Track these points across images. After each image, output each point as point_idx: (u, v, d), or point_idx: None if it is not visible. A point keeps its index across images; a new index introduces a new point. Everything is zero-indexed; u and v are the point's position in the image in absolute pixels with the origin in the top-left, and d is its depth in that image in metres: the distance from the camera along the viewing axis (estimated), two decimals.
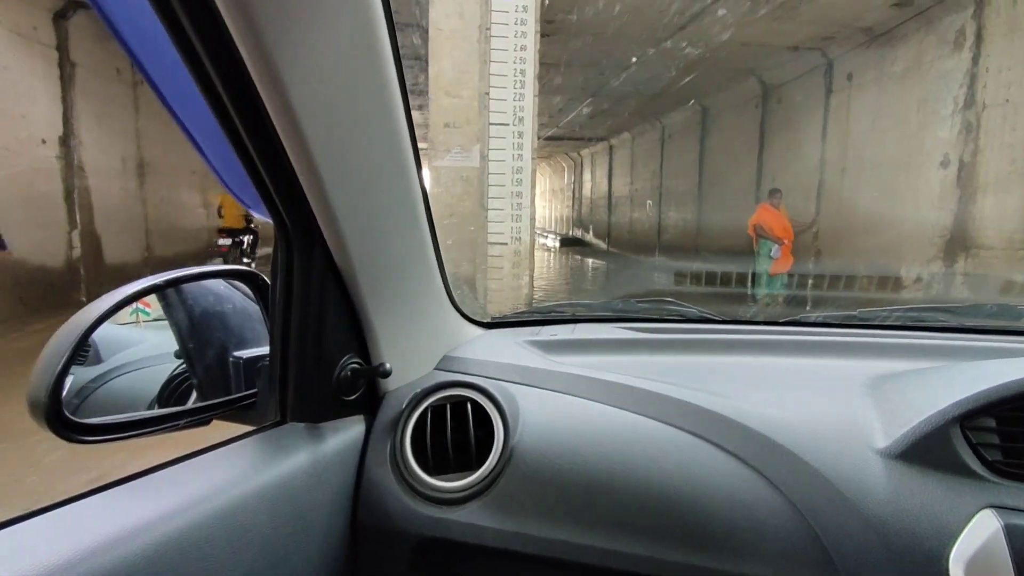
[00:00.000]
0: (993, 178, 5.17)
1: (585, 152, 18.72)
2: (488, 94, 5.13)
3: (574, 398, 0.78)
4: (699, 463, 0.68)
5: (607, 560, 0.66)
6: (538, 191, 8.86)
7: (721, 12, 6.22)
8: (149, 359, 0.76)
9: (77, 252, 6.74)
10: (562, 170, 22.43)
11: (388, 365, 0.76)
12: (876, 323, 1.05)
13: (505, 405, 0.76)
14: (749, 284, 6.00)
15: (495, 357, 0.88)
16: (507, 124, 5.16)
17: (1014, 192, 4.96)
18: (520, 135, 5.19)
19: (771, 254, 6.11)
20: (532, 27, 5.05)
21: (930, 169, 5.79)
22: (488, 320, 1.09)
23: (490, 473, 0.71)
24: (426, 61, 5.64)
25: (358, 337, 0.75)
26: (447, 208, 5.41)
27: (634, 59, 7.98)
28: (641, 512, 0.67)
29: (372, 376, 0.77)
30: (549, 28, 6.48)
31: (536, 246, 6.68)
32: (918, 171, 5.93)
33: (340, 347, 0.72)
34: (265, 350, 0.73)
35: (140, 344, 0.70)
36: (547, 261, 13.96)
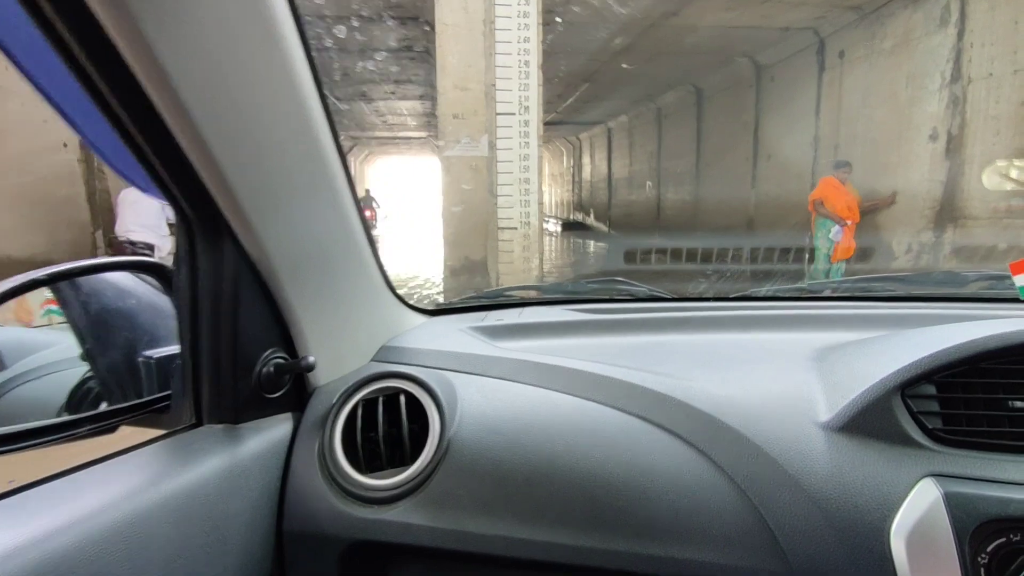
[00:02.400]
0: (979, 150, 5.41)
1: (584, 136, 18.86)
2: (494, 85, 5.35)
3: (517, 384, 0.76)
4: (644, 446, 0.67)
5: (550, 554, 0.64)
6: None
7: None
8: (59, 363, 0.70)
9: (101, 251, 6.99)
10: (561, 154, 22.56)
11: (312, 359, 0.72)
12: (825, 295, 1.07)
13: (442, 395, 0.73)
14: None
15: (436, 345, 0.85)
16: (513, 114, 5.38)
17: (999, 163, 5.21)
18: (526, 123, 5.41)
19: (830, 235, 5.46)
20: (535, 19, 5.25)
21: (920, 143, 6.02)
22: (432, 307, 1.07)
23: (424, 468, 0.68)
24: (432, 55, 5.83)
25: (282, 331, 0.72)
26: (458, 196, 5.65)
27: (623, 41, 8.15)
28: (585, 501, 0.65)
29: (296, 371, 0.73)
30: (547, 17, 6.66)
31: None
32: (909, 145, 6.15)
33: (260, 342, 0.69)
34: (175, 349, 0.69)
35: (51, 347, 0.65)
36: (551, 245, 14.20)
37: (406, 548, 0.67)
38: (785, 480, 0.61)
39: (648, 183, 13.34)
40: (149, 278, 0.72)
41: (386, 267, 0.88)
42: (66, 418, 0.65)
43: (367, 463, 0.70)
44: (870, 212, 6.06)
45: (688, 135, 11.21)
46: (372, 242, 0.82)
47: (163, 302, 0.72)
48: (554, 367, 0.77)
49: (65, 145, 6.57)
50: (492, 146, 5.48)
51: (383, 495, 0.68)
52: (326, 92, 0.65)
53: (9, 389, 0.60)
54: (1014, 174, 5.13)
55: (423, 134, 16.34)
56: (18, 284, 0.60)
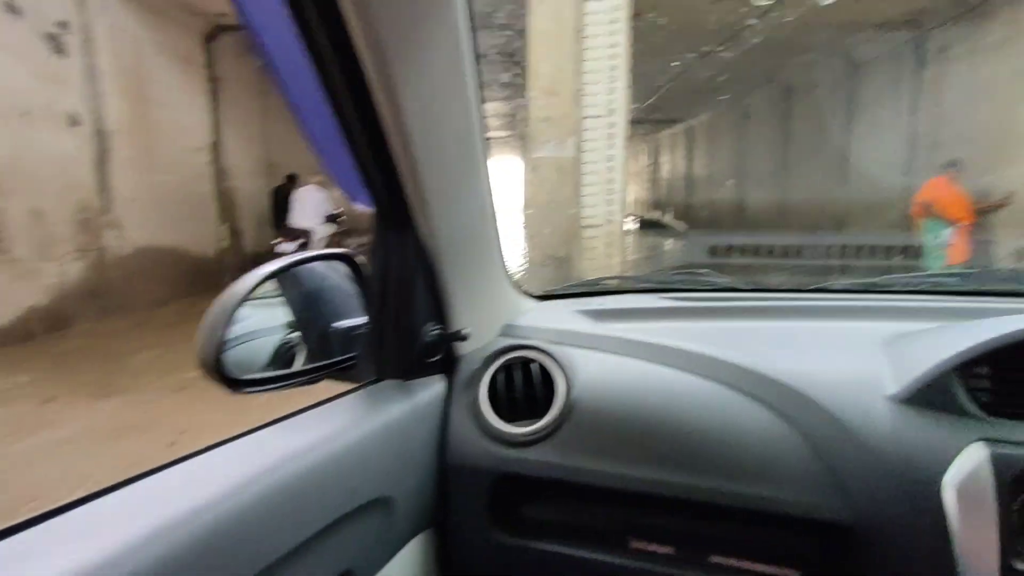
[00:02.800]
0: None
1: (664, 134, 18.65)
2: (582, 90, 5.59)
3: (623, 358, 0.89)
4: (734, 409, 0.78)
5: (657, 488, 0.78)
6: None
7: None
8: (260, 331, 0.84)
9: (225, 244, 7.86)
10: (640, 153, 22.37)
11: (467, 330, 0.88)
12: (896, 288, 1.14)
13: (564, 364, 0.87)
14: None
15: (551, 324, 0.98)
16: (600, 116, 5.59)
17: None
18: (612, 126, 5.61)
19: (940, 239, 5.23)
20: (624, 25, 5.45)
21: None
22: (540, 293, 1.18)
23: (554, 420, 0.82)
24: (520, 58, 6.11)
25: (438, 308, 0.86)
26: (546, 195, 5.92)
27: (710, 40, 8.11)
28: (680, 450, 0.78)
29: (452, 341, 0.88)
30: (635, 21, 6.80)
31: None
32: (1016, 144, 5.85)
33: (424, 316, 0.83)
34: (359, 320, 0.85)
35: (247, 319, 0.77)
36: (629, 243, 14.20)
37: (541, 480, 0.82)
38: (852, 439, 0.72)
39: (730, 182, 13.09)
40: (340, 266, 0.88)
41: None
42: (291, 369, 0.82)
43: (508, 415, 0.85)
44: (983, 214, 5.76)
45: (775, 133, 10.95)
46: (499, 239, 0.96)
47: (348, 285, 0.88)
48: (653, 344, 0.89)
49: (200, 150, 7.47)
50: (578, 147, 5.71)
51: (522, 439, 0.83)
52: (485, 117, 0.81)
53: (235, 344, 0.72)
54: None
55: (505, 133, 16.75)
56: (270, 271, 0.75)
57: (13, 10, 5.01)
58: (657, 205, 19.95)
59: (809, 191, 9.45)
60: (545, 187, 5.87)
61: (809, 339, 0.93)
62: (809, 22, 6.96)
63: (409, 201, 0.74)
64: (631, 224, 19.26)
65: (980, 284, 1.17)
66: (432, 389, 0.87)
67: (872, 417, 0.73)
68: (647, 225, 18.36)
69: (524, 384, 0.88)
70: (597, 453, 0.81)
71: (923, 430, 0.71)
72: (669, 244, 13.65)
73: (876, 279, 1.18)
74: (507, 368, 0.89)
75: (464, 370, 0.91)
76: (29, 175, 5.10)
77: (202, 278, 7.17)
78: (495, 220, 0.92)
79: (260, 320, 0.85)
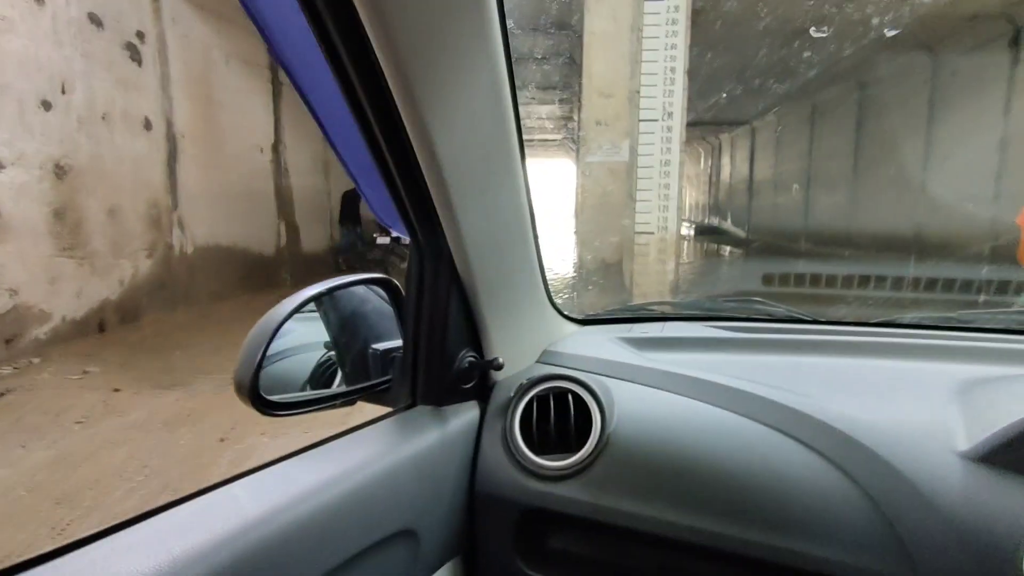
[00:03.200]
0: None
1: (724, 136, 18.05)
2: (639, 92, 5.44)
3: (664, 392, 0.85)
4: (781, 455, 0.73)
5: (692, 536, 0.73)
6: None
7: None
8: (299, 347, 0.84)
9: (283, 241, 8.13)
10: (698, 156, 21.76)
11: (500, 359, 0.86)
12: (974, 326, 1.05)
13: (602, 397, 0.84)
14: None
15: (591, 352, 0.95)
16: (656, 120, 5.44)
17: None
18: (669, 129, 5.44)
19: None
20: (683, 25, 5.26)
21: None
22: (582, 317, 1.15)
23: (588, 456, 0.79)
24: (575, 61, 6.03)
25: (473, 334, 0.85)
26: (597, 200, 5.82)
27: (777, 35, 7.74)
28: (723, 496, 0.73)
29: (486, 368, 0.87)
30: (695, 19, 6.58)
31: None
32: None
33: (459, 343, 0.83)
34: (396, 343, 0.85)
35: (291, 334, 0.78)
36: (684, 249, 13.85)
37: (570, 518, 0.79)
38: (918, 498, 0.65)
39: (795, 186, 12.50)
40: (379, 290, 0.88)
41: (549, 283, 1.01)
42: (327, 391, 0.83)
43: (540, 447, 0.83)
44: None
45: (846, 134, 10.36)
46: (541, 262, 0.94)
47: (387, 309, 0.88)
48: (697, 379, 0.85)
49: (261, 150, 7.76)
50: (633, 151, 5.57)
51: (554, 473, 0.79)
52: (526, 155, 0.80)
53: (273, 362, 0.73)
54: None
55: (558, 136, 16.65)
56: (310, 296, 0.76)
57: (96, 21, 5.33)
58: (716, 210, 19.33)
59: (882, 198, 8.88)
60: (598, 192, 5.77)
61: (872, 380, 0.86)
62: (890, 12, 6.51)
63: (444, 228, 0.73)
64: (687, 229, 18.80)
65: None
66: (465, 416, 0.85)
67: (942, 475, 0.66)
68: (704, 231, 17.85)
69: (559, 416, 0.85)
70: (631, 493, 0.77)
71: (1001, 494, 0.63)
72: (727, 252, 13.18)
73: (954, 314, 1.08)
74: (542, 398, 0.86)
75: (498, 397, 0.89)
76: (106, 175, 5.43)
77: (261, 274, 7.44)
78: (536, 244, 0.90)
79: (304, 335, 0.86)
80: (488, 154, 0.72)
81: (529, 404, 0.86)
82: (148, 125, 5.92)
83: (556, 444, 0.83)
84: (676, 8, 5.20)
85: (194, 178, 6.50)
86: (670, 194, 5.49)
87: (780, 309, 1.15)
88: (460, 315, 0.82)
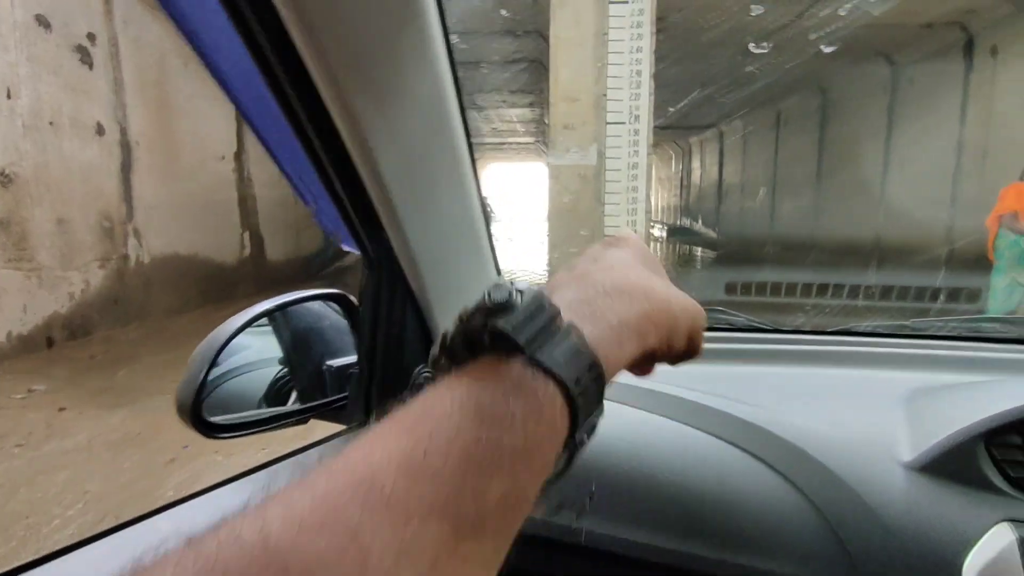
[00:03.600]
0: None
1: (694, 140, 18.30)
2: (605, 95, 5.44)
3: (624, 407, 0.85)
4: (734, 469, 0.73)
5: (648, 553, 0.73)
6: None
7: None
8: (255, 363, 0.83)
9: (247, 251, 7.91)
10: (669, 159, 22.04)
11: None
12: (926, 333, 1.05)
13: None
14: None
15: None
16: (623, 123, 5.44)
17: None
18: (636, 132, 5.45)
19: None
20: (648, 29, 5.28)
21: None
22: None
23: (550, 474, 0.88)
24: (545, 65, 6.01)
25: (429, 351, 1.04)
26: (566, 204, 5.80)
27: (742, 42, 7.86)
28: (679, 513, 0.72)
29: None
30: (661, 24, 6.63)
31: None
32: None
33: (415, 359, 0.81)
34: (352, 359, 0.83)
35: (247, 349, 0.75)
36: (655, 251, 13.96)
37: (530, 538, 0.79)
38: (863, 509, 0.65)
39: (762, 189, 12.71)
40: (335, 305, 0.86)
41: None
42: (278, 410, 0.81)
43: None
44: None
45: (810, 140, 10.57)
46: (499, 272, 0.92)
47: (343, 324, 0.87)
48: (655, 392, 0.85)
49: (223, 158, 7.54)
50: (601, 155, 5.57)
51: None
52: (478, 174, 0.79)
53: (223, 381, 0.71)
54: None
55: (530, 140, 16.68)
56: (259, 312, 0.74)
57: (43, 24, 5.11)
58: (687, 211, 19.57)
59: (844, 201, 9.07)
60: (567, 196, 5.75)
61: (826, 389, 0.87)
62: (849, 22, 6.65)
63: (393, 243, 0.71)
64: (659, 231, 19.00)
65: (1022, 331, 1.05)
66: None
67: (885, 486, 0.67)
68: (675, 232, 18.09)
69: None
70: (590, 512, 0.76)
71: (942, 504, 0.64)
72: (698, 254, 13.34)
73: (908, 322, 1.09)
74: None
75: None
76: (55, 184, 5.20)
77: (223, 286, 7.22)
78: (493, 253, 0.88)
79: (262, 350, 0.85)
80: (434, 164, 0.69)
81: None
82: (100, 131, 5.69)
83: None
84: (641, 12, 5.22)
85: (151, 187, 6.27)
86: (638, 197, 5.49)
87: (740, 318, 1.15)
88: (416, 330, 0.80)
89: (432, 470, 0.24)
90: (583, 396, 0.31)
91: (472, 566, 0.25)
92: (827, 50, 7.42)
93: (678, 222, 20.25)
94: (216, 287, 7.10)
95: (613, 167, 5.54)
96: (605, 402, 0.87)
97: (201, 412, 0.65)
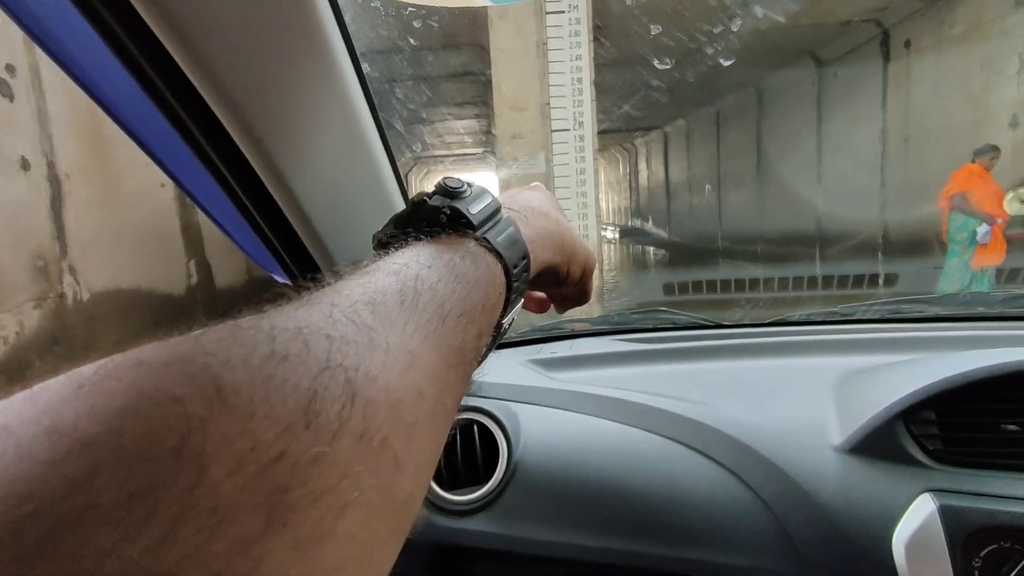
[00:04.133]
0: None
1: (639, 142, 18.75)
2: (549, 104, 5.53)
3: (571, 413, 0.86)
4: (681, 467, 0.75)
5: (603, 557, 0.74)
6: None
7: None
8: None
9: (194, 279, 7.65)
10: (617, 161, 22.48)
11: None
12: (855, 318, 1.11)
13: (508, 425, 0.84)
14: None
15: (499, 378, 0.95)
16: (568, 130, 5.54)
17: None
18: (581, 138, 5.56)
19: (978, 237, 4.56)
20: (586, 38, 5.41)
21: (999, 131, 5.72)
22: None
23: (496, 487, 0.79)
24: (488, 77, 6.07)
25: None
26: None
27: (679, 47, 8.14)
28: (629, 514, 0.74)
29: None
30: (598, 32, 6.80)
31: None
32: (986, 134, 5.85)
33: None
34: None
35: None
36: (609, 254, 14.20)
37: (483, 551, 0.79)
38: (801, 496, 0.69)
39: (708, 186, 13.12)
40: None
41: None
42: None
43: (449, 482, 0.82)
44: None
45: (748, 136, 10.99)
46: None
47: None
48: (602, 397, 0.86)
49: (163, 185, 7.28)
50: (549, 162, 5.65)
51: (462, 508, 0.79)
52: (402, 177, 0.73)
53: None
54: None
55: (479, 150, 16.74)
56: None
57: None
58: (637, 212, 19.99)
59: (785, 190, 9.46)
60: None
61: (763, 380, 0.91)
62: (774, 24, 6.97)
63: (323, 270, 0.67)
64: (612, 233, 19.33)
65: (944, 309, 1.13)
66: None
67: (820, 471, 0.71)
68: (628, 233, 18.43)
69: (467, 448, 0.84)
70: (541, 521, 0.77)
71: (871, 482, 0.69)
72: (651, 252, 13.64)
73: (837, 308, 1.13)
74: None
75: None
76: None
77: (171, 316, 6.95)
78: None
79: None
80: (353, 183, 0.66)
81: None
82: (26, 166, 5.43)
83: (465, 478, 0.82)
84: (578, 20, 5.34)
85: (86, 221, 6.00)
86: (588, 201, 5.60)
87: (683, 317, 1.19)
88: None
89: (422, 304, 0.26)
90: (516, 280, 0.34)
91: (452, 396, 0.26)
92: (755, 51, 7.76)
93: (629, 223, 20.64)
94: (166, 317, 6.84)
95: (562, 173, 5.64)
96: (552, 410, 0.88)
97: None
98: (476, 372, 0.32)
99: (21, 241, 5.34)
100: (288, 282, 0.71)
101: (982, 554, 0.61)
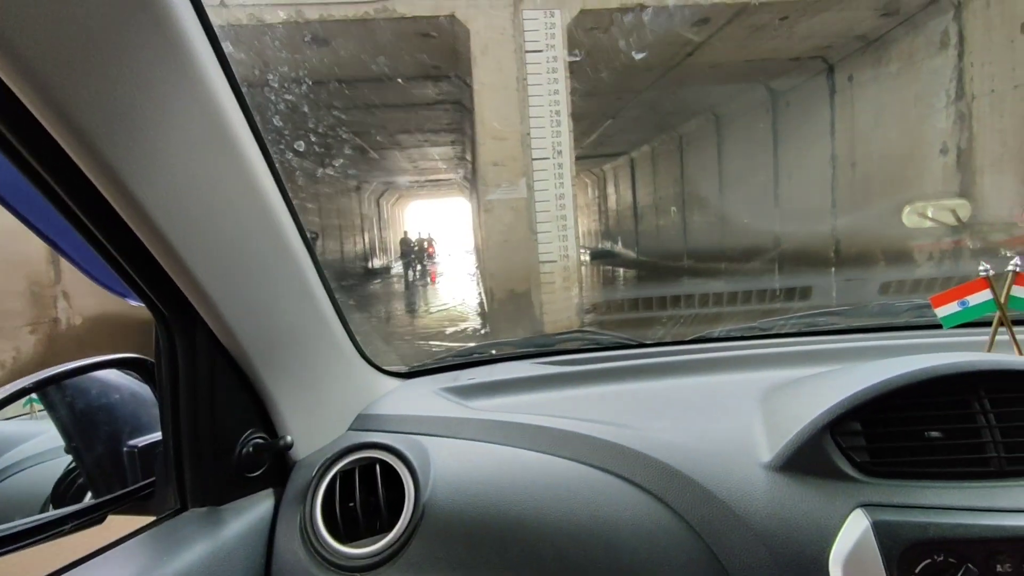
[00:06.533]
0: (988, 161, 5.75)
1: (607, 167, 19.41)
2: (529, 134, 5.94)
3: (486, 444, 0.79)
4: (606, 497, 0.70)
5: None
6: None
7: (725, 38, 6.92)
8: (43, 454, 0.69)
9: (61, 304, 7.72)
10: (586, 186, 23.13)
11: (289, 438, 0.74)
12: (774, 332, 1.10)
13: (415, 462, 0.76)
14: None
15: (410, 410, 0.88)
16: (548, 158, 5.94)
17: (1007, 172, 5.53)
18: (560, 166, 5.96)
19: None
20: (562, 74, 5.85)
21: (932, 157, 6.36)
22: (406, 370, 1.07)
23: (402, 534, 0.70)
24: (464, 106, 6.43)
25: (261, 411, 0.73)
26: (501, 235, 6.19)
27: (644, 81, 8.69)
28: (552, 553, 0.68)
29: (274, 451, 0.74)
30: (573, 65, 7.27)
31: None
32: (922, 160, 6.50)
33: (239, 424, 0.71)
34: (158, 436, 0.70)
35: (37, 437, 0.61)
36: (584, 274, 14.60)
37: None
38: (733, 520, 0.65)
39: (672, 208, 13.72)
40: (133, 373, 0.74)
41: (356, 335, 0.90)
42: (54, 514, 0.64)
43: (347, 533, 0.72)
44: None
45: (710, 161, 11.64)
46: (341, 313, 0.84)
47: (146, 392, 0.74)
48: (521, 425, 0.80)
49: None
50: (530, 188, 6.02)
51: (364, 563, 0.69)
52: (286, 186, 0.69)
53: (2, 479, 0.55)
54: (930, 213, 5.31)
55: (452, 176, 17.11)
56: (7, 395, 0.59)
57: None
58: (607, 235, 20.58)
59: (745, 210, 10.06)
60: (501, 227, 6.14)
61: (688, 399, 0.89)
62: (731, 58, 7.59)
63: (184, 290, 0.61)
64: (583, 256, 19.74)
65: (855, 320, 1.15)
66: (253, 512, 0.72)
67: (749, 491, 0.67)
68: (598, 256, 18.82)
69: (369, 491, 0.75)
70: (456, 569, 0.69)
71: (804, 501, 0.65)
72: (621, 273, 14.13)
73: (756, 323, 1.14)
74: (348, 473, 0.77)
75: (297, 481, 0.77)
76: None
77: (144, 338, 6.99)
78: (330, 294, 0.81)
79: (51, 439, 0.70)
80: (232, 206, 0.61)
81: (332, 483, 0.75)
82: None
83: (367, 527, 0.73)
84: (555, 59, 5.79)
85: None
86: (567, 224, 5.98)
87: (607, 337, 1.17)
88: (235, 391, 0.70)
89: None
90: None
91: None
92: (713, 83, 8.35)
93: (599, 246, 21.18)
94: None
95: (542, 198, 6.02)
96: (467, 442, 0.81)
97: None
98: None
99: (17, 269, 5.44)
100: (142, 303, 0.65)
101: (917, 570, 0.60)
